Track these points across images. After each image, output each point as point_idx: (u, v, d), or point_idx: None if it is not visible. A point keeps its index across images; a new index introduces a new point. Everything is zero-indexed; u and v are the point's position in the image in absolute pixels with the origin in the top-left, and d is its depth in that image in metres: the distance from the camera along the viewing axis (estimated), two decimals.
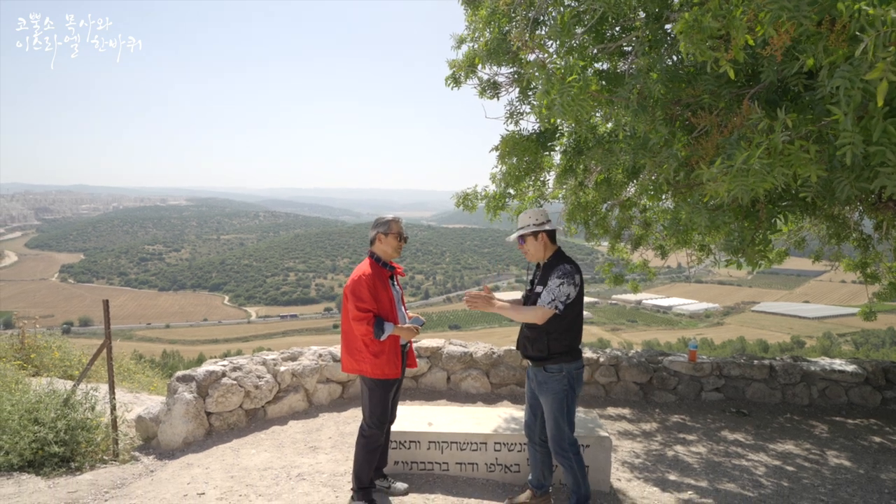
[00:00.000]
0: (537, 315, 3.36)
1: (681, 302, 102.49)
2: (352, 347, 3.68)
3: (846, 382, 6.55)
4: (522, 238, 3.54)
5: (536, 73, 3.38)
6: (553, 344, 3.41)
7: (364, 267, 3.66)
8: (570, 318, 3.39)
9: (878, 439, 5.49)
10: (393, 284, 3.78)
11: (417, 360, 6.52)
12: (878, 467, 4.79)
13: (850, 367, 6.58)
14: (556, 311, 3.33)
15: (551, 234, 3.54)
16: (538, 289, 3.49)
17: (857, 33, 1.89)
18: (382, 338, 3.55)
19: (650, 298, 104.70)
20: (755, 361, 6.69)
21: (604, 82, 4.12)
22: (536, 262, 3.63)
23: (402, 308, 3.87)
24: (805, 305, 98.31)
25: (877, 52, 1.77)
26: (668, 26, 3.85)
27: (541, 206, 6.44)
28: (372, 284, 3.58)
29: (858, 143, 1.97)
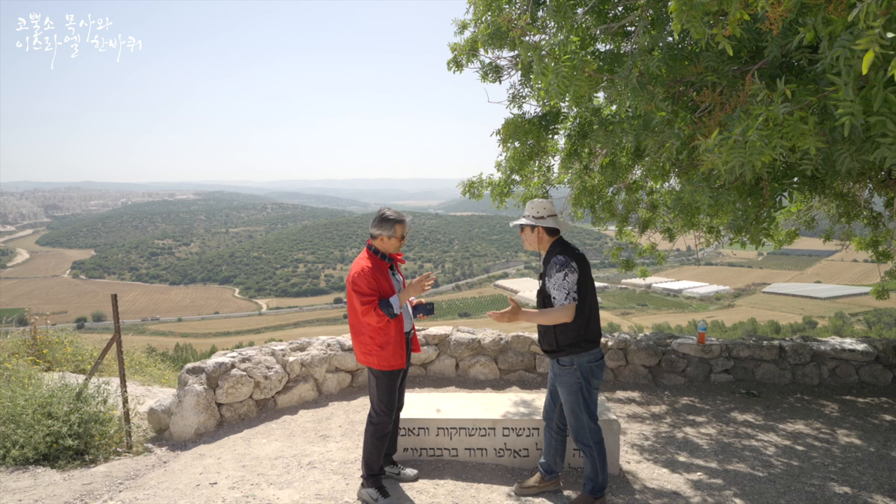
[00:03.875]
0: (562, 315, 3.32)
1: (691, 285, 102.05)
2: (359, 340, 3.69)
3: (857, 361, 6.51)
4: (522, 226, 3.59)
5: (530, 55, 3.34)
6: (560, 336, 3.40)
7: (363, 260, 3.62)
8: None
9: (888, 417, 5.46)
10: (394, 274, 3.78)
11: (426, 347, 6.54)
12: (889, 445, 4.77)
13: (861, 346, 6.53)
14: (576, 301, 3.32)
15: (550, 229, 3.52)
16: (546, 281, 3.47)
17: (855, 2, 1.85)
18: (396, 313, 3.53)
19: (660, 282, 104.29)
20: (764, 342, 6.66)
21: (602, 63, 4.07)
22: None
23: None
24: (817, 286, 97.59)
25: (868, 19, 1.73)
26: (670, 3, 3.80)
27: (547, 198, 6.42)
28: (372, 278, 3.55)
29: (858, 114, 1.94)
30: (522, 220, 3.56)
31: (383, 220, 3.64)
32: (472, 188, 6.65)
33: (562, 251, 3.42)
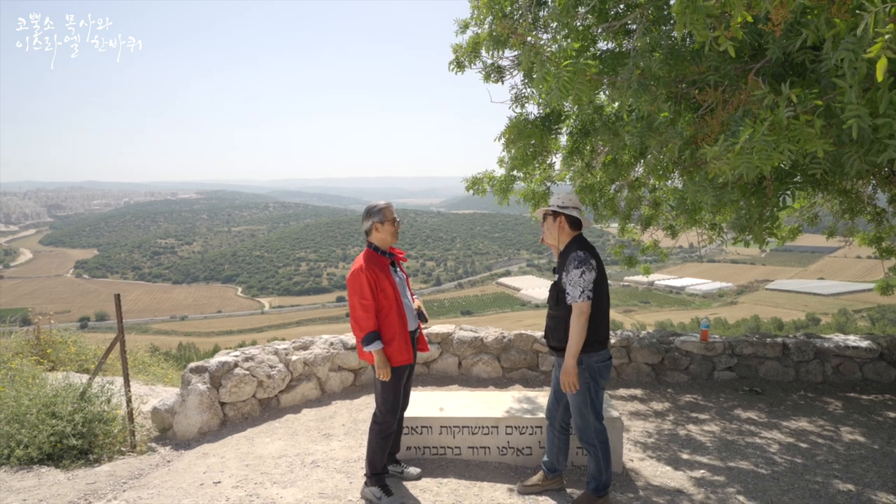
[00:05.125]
0: (577, 315, 3.28)
1: (694, 282, 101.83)
2: None
3: (860, 358, 6.49)
4: (545, 216, 3.56)
5: (531, 60, 3.34)
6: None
7: (363, 259, 3.63)
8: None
9: (892, 415, 5.45)
10: (395, 271, 3.78)
11: (429, 345, 6.53)
12: (893, 442, 4.76)
13: (865, 343, 6.52)
14: (590, 300, 3.28)
15: (572, 221, 3.47)
16: (563, 276, 3.42)
17: (857, 11, 1.84)
18: (366, 349, 3.56)
19: (663, 279, 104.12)
20: (768, 339, 6.64)
21: (603, 65, 4.06)
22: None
23: (409, 294, 3.87)
24: (820, 282, 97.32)
25: (877, 27, 1.72)
26: (672, 1, 3.79)
27: (551, 194, 6.42)
28: (373, 276, 3.56)
29: (865, 116, 1.93)
30: (544, 209, 3.55)
31: (371, 210, 3.72)
32: (476, 184, 6.68)
33: (582, 247, 3.38)
